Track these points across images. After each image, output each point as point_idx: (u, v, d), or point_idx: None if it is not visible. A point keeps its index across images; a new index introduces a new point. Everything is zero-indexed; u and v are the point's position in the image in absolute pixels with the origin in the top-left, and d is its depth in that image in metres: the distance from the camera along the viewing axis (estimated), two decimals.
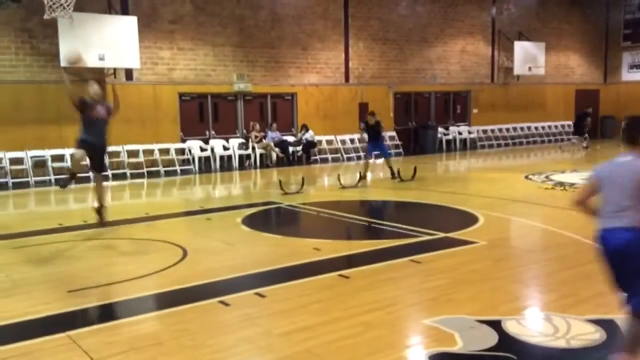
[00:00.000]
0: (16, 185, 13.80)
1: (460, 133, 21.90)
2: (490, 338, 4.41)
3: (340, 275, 6.07)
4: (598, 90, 26.19)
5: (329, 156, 18.62)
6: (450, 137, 21.61)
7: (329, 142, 18.92)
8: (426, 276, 6.10)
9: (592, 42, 25.99)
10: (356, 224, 9.07)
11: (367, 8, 19.56)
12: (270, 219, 10.00)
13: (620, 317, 4.71)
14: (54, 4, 10.11)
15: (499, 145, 22.36)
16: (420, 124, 21.29)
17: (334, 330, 4.64)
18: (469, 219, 8.87)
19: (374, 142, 13.61)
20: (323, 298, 5.42)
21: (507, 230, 8.61)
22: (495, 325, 4.63)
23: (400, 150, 20.03)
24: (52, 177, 14.25)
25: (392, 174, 13.42)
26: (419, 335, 4.67)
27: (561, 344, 4.36)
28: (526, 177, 13.54)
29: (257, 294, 5.52)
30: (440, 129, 21.36)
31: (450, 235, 7.88)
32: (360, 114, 19.69)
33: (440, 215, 9.74)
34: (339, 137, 19.13)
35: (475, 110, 22.56)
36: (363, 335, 4.56)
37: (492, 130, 22.66)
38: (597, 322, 4.66)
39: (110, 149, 15.00)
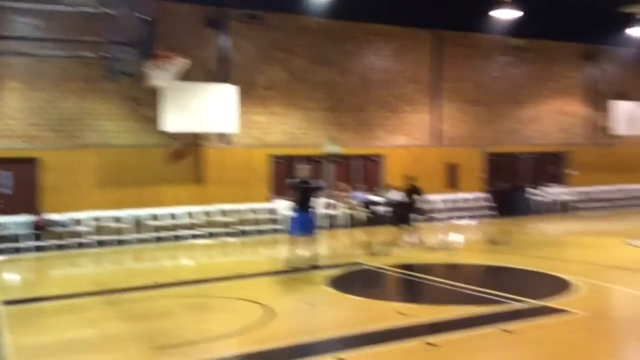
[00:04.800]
0: (117, 243, 14.59)
1: (555, 195, 20.98)
2: None
3: (425, 342, 5.87)
4: None
5: (418, 216, 18.33)
6: (545, 199, 20.75)
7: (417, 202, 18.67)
8: (518, 347, 5.78)
9: None
10: (444, 289, 8.80)
11: (458, 70, 19.59)
12: (354, 281, 9.89)
13: None
14: (156, 74, 10.91)
15: (598, 208, 21.14)
16: (513, 184, 20.65)
17: None
18: (565, 287, 8.37)
19: (303, 209, 10.47)
20: None
21: (607, 300, 8.03)
22: None
23: (494, 212, 19.44)
24: (150, 235, 14.98)
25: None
26: None
27: None
28: (628, 243, 12.67)
29: (340, 359, 5.44)
30: (534, 190, 20.60)
31: (544, 303, 7.45)
32: (447, 174, 19.43)
33: (534, 282, 9.26)
34: (427, 198, 18.85)
35: (573, 172, 21.61)
36: None
37: (591, 192, 21.53)
38: None
39: (204, 208, 15.81)
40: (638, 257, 11.02)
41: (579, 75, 21.70)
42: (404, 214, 13.21)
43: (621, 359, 5.50)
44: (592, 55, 21.70)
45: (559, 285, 8.51)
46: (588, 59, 21.71)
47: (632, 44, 20.56)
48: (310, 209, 10.58)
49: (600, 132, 22.01)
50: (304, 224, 10.55)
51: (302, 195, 10.52)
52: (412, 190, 13.30)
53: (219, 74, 16.15)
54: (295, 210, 10.64)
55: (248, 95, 16.55)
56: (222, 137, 16.30)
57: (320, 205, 10.76)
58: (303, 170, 10.87)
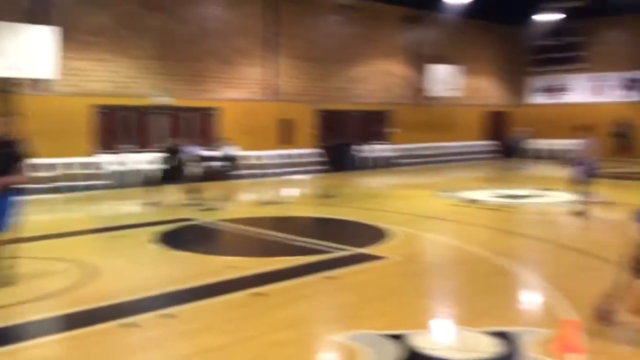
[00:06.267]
0: None
1: (380, 151, 22.42)
2: (396, 352, 4.51)
3: (253, 293, 6.03)
4: (510, 112, 27.60)
5: (250, 171, 18.53)
6: (370, 154, 22.08)
7: (251, 157, 18.85)
8: (339, 292, 6.17)
9: (505, 67, 27.42)
10: (273, 241, 9.06)
11: (292, 27, 19.76)
12: (184, 236, 9.76)
13: (518, 328, 4.95)
14: None
15: (417, 163, 23.03)
16: (342, 141, 21.63)
17: (243, 350, 4.60)
18: (383, 235, 9.06)
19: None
20: (234, 317, 5.36)
21: (418, 246, 8.86)
22: (402, 339, 4.74)
23: (324, 166, 20.25)
24: None
25: None
26: (328, 352, 4.71)
27: (464, 356, 4.53)
28: (440, 195, 14.02)
29: (167, 314, 5.39)
30: (361, 147, 21.80)
31: (364, 251, 8.01)
32: (281, 130, 19.78)
33: (357, 231, 9.89)
34: (261, 153, 19.12)
35: (395, 130, 23.18)
36: (272, 354, 4.54)
37: (411, 149, 23.35)
38: (498, 334, 4.86)
39: None
40: (445, 207, 12.24)
41: (401, 37, 23.07)
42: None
43: (429, 296, 6.14)
44: (413, 19, 23.13)
45: (378, 234, 9.19)
46: (409, 22, 23.13)
47: (450, 10, 22.25)
48: (9, 188, 6.45)
49: (419, 93, 23.78)
50: None
51: None
52: (173, 149, 12.87)
53: (36, 14, 14.59)
54: None
55: (70, 40, 15.21)
56: (39, 84, 14.87)
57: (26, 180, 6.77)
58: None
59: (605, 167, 20.83)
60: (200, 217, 10.78)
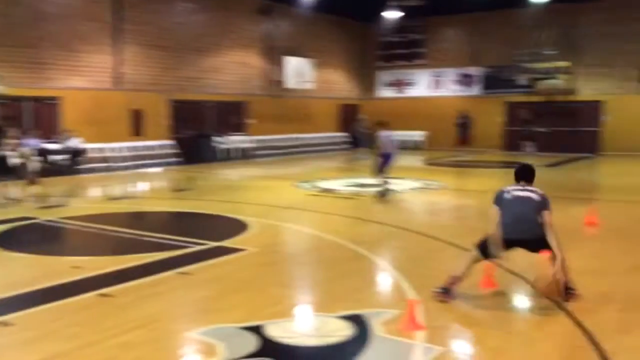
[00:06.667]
0: None
1: (237, 142, 22.28)
2: (252, 344, 4.49)
3: (100, 294, 5.67)
4: (359, 105, 28.78)
5: (98, 165, 17.49)
6: (227, 146, 21.86)
7: (98, 150, 17.79)
8: (194, 287, 6.02)
9: (355, 61, 28.53)
10: (124, 238, 8.60)
11: (141, 13, 18.89)
12: (22, 237, 8.92)
13: (369, 310, 5.17)
14: None
15: (274, 155, 23.22)
16: (197, 132, 21.17)
17: (88, 355, 4.31)
18: (241, 227, 9.00)
19: None
20: (79, 321, 5.00)
21: (276, 236, 8.92)
22: (257, 330, 4.73)
23: (179, 159, 19.67)
24: None
25: None
26: (182, 349, 4.56)
27: (319, 342, 4.63)
28: (297, 185, 14.25)
29: (2, 322, 4.90)
30: (217, 138, 21.50)
31: (221, 244, 7.89)
32: (132, 120, 18.91)
33: (214, 225, 9.73)
34: (109, 145, 18.12)
35: (251, 121, 23.16)
36: (121, 356, 4.30)
37: (268, 140, 23.49)
38: (350, 317, 5.02)
39: None
40: (303, 197, 12.47)
41: (256, 29, 23.07)
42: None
43: (286, 285, 6.20)
44: (267, 11, 23.23)
45: (235, 226, 9.10)
46: (264, 14, 23.19)
47: (304, 3, 22.64)
48: None
49: (274, 84, 23.97)
50: None
51: None
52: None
53: None
54: None
55: None
56: None
57: None
58: None
59: (448, 157, 22.59)
60: (41, 215, 9.94)
